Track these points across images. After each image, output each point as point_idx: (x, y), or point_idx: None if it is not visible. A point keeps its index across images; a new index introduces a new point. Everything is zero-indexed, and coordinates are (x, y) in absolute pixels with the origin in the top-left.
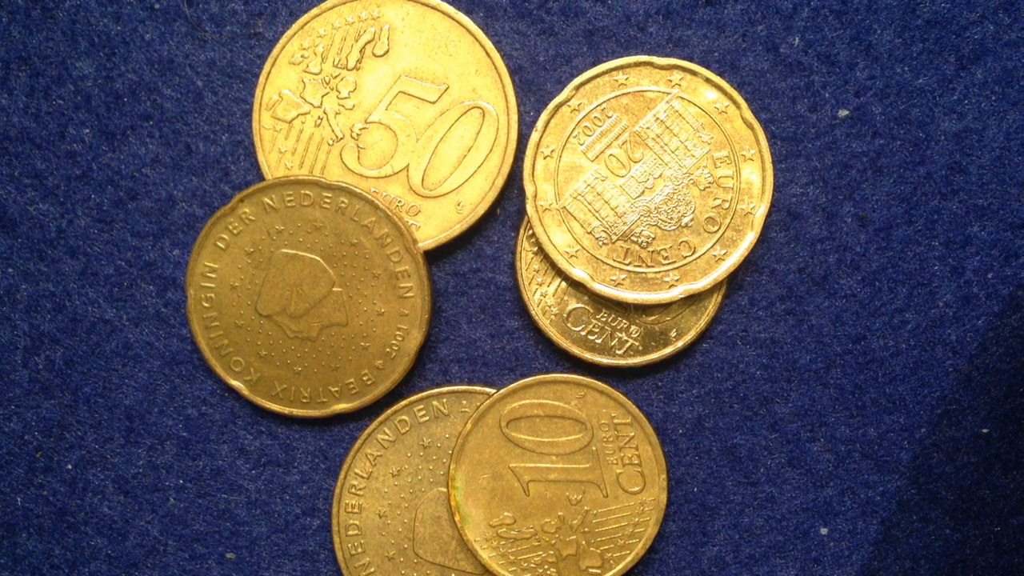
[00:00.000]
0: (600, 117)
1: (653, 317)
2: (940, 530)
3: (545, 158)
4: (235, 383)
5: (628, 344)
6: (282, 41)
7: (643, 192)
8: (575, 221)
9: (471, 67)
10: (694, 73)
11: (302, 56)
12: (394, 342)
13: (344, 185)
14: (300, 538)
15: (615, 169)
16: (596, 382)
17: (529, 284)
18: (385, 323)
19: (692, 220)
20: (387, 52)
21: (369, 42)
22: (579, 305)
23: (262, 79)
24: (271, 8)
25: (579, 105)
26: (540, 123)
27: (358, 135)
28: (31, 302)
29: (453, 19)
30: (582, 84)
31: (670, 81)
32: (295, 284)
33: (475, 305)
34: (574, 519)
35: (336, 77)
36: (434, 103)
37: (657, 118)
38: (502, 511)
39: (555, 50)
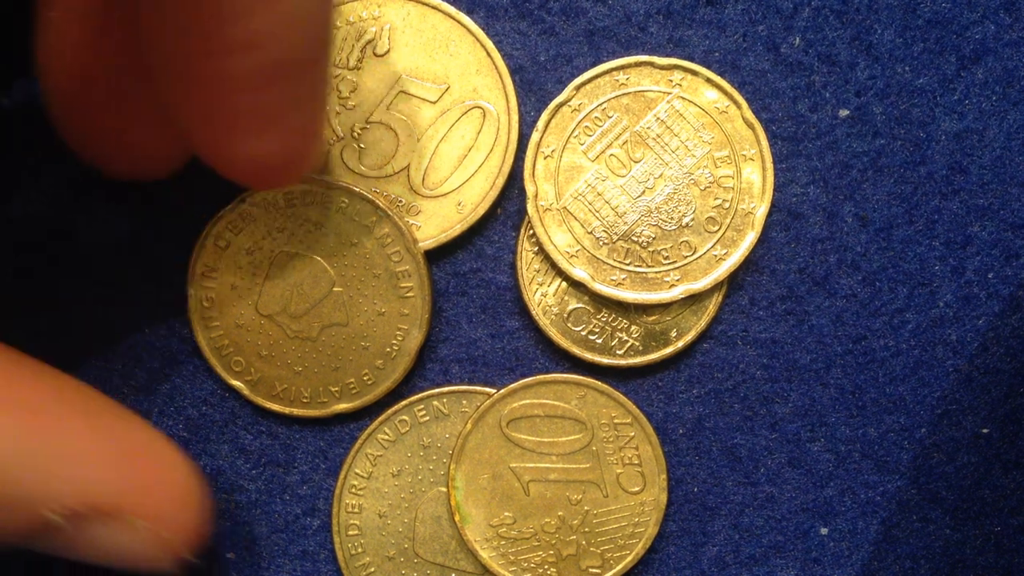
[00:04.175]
0: (601, 117)
1: (653, 317)
2: (940, 530)
3: (546, 158)
4: (235, 383)
5: (628, 344)
6: None
7: (644, 192)
8: (576, 221)
9: (472, 67)
10: (695, 73)
11: None
12: (394, 342)
13: (344, 185)
14: (300, 538)
15: (616, 169)
16: (596, 382)
17: (529, 284)
18: (385, 323)
19: (693, 220)
20: (388, 52)
21: (370, 42)
22: (579, 305)
23: None
24: None
25: (580, 105)
26: (541, 123)
27: (359, 135)
28: (30, 303)
29: (454, 19)
30: (583, 84)
31: (671, 81)
32: (295, 284)
33: (475, 305)
34: (574, 519)
35: (336, 77)
36: (435, 103)
37: (658, 118)
38: (502, 511)
39: (556, 50)
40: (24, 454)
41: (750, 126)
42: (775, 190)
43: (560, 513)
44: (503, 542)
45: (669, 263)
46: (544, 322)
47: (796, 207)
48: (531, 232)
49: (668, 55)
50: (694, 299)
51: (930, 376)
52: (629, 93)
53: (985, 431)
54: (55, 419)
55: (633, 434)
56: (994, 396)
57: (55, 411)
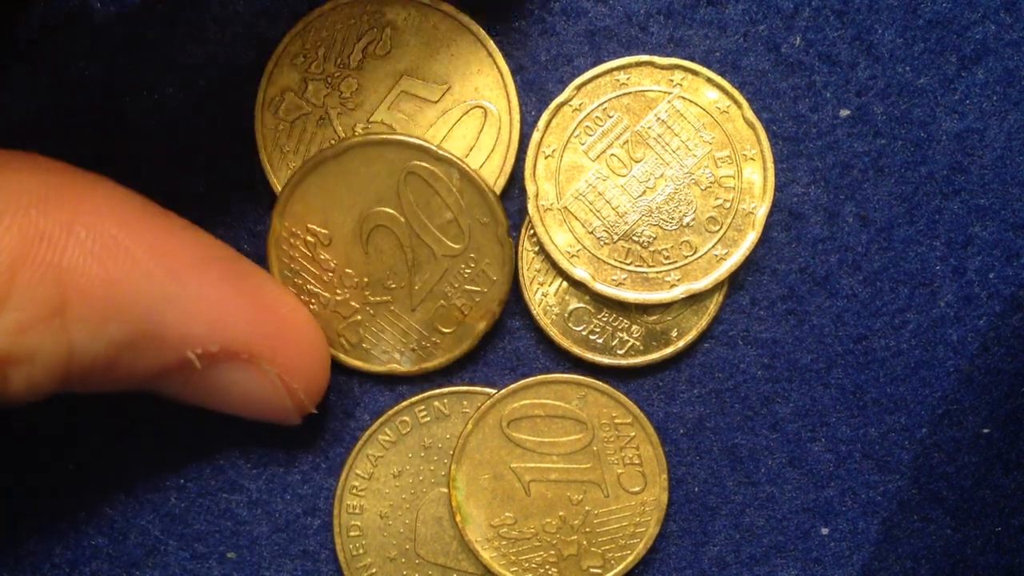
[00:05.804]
0: (601, 117)
1: (654, 317)
2: (941, 530)
3: (547, 158)
4: None
5: (629, 344)
6: (284, 41)
7: (644, 192)
8: (576, 221)
9: (473, 67)
10: (695, 73)
11: (304, 56)
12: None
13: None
14: (301, 538)
15: (616, 169)
16: (597, 382)
17: (530, 284)
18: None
19: (693, 220)
20: (389, 52)
21: (371, 42)
22: (580, 305)
23: (264, 79)
24: (273, 8)
25: (580, 105)
26: (541, 123)
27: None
28: None
29: (454, 19)
30: (583, 84)
31: (671, 81)
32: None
33: None
34: (575, 519)
35: (338, 77)
36: (436, 103)
37: (658, 118)
38: (503, 511)
39: (556, 50)
40: (170, 297)
41: (751, 126)
42: (776, 190)
43: (561, 513)
44: (504, 542)
45: (670, 263)
46: (545, 322)
47: (797, 207)
48: (532, 232)
49: (669, 55)
50: (695, 299)
51: (931, 376)
52: (630, 93)
53: (986, 431)
54: (199, 269)
55: (634, 434)
56: (995, 396)
57: (199, 262)
